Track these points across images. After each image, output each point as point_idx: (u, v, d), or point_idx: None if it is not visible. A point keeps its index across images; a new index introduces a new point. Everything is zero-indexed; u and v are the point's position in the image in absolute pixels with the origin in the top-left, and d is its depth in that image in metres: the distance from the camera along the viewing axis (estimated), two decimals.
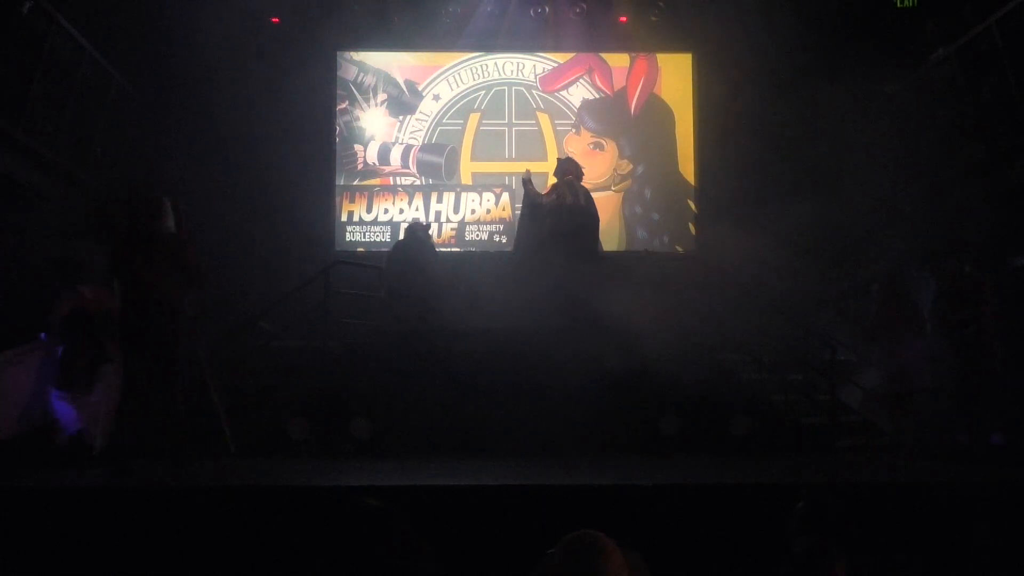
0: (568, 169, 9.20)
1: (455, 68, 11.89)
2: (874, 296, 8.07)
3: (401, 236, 10.97)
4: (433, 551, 3.29)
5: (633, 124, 11.94)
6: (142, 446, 6.31)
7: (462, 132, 11.81)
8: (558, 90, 11.92)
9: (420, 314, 8.56)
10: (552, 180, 9.39)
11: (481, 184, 11.75)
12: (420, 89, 11.87)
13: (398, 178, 11.75)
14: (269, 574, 4.79)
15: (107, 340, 6.80)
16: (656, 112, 11.96)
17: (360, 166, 11.75)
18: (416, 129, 11.83)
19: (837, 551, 3.25)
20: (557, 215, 8.84)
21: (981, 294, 7.39)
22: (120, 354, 6.42)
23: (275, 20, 11.13)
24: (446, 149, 11.78)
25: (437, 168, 11.75)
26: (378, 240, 11.54)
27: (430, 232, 10.10)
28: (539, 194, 9.20)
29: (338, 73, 11.78)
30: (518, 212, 11.59)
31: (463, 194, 11.72)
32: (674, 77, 11.94)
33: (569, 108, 11.90)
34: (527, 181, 9.25)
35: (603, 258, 9.42)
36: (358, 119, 11.82)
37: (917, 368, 7.64)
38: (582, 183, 9.22)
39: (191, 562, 4.89)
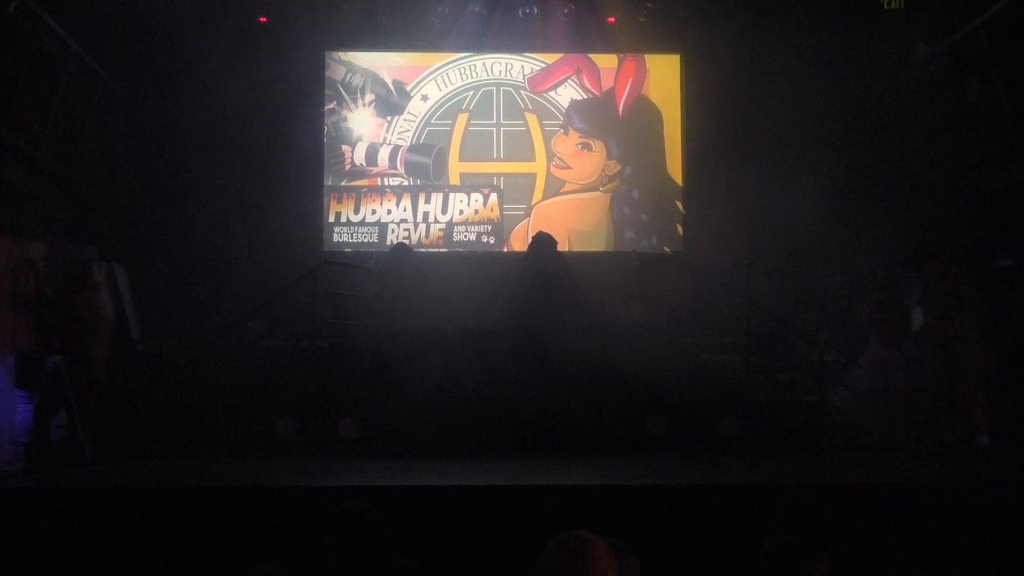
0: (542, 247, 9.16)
1: (443, 68, 11.88)
2: (872, 297, 8.13)
3: (389, 241, 11.03)
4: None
5: (621, 125, 11.95)
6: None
7: (450, 132, 11.79)
8: (546, 90, 11.92)
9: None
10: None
11: (469, 185, 11.73)
12: (408, 89, 11.85)
13: (386, 179, 11.73)
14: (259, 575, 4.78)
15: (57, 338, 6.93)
16: (644, 113, 11.98)
17: (348, 167, 11.72)
18: (404, 130, 11.81)
19: (813, 550, 3.23)
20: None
21: (965, 296, 7.44)
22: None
23: (263, 19, 11.11)
24: (434, 150, 11.76)
25: (425, 169, 11.73)
26: (366, 241, 11.51)
27: (407, 252, 9.97)
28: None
29: (326, 73, 11.74)
30: (506, 213, 11.65)
31: (451, 195, 11.70)
32: (662, 78, 11.96)
33: (557, 108, 11.91)
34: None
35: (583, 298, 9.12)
36: (346, 119, 11.79)
37: (897, 368, 7.74)
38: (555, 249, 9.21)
39: (181, 562, 4.89)
